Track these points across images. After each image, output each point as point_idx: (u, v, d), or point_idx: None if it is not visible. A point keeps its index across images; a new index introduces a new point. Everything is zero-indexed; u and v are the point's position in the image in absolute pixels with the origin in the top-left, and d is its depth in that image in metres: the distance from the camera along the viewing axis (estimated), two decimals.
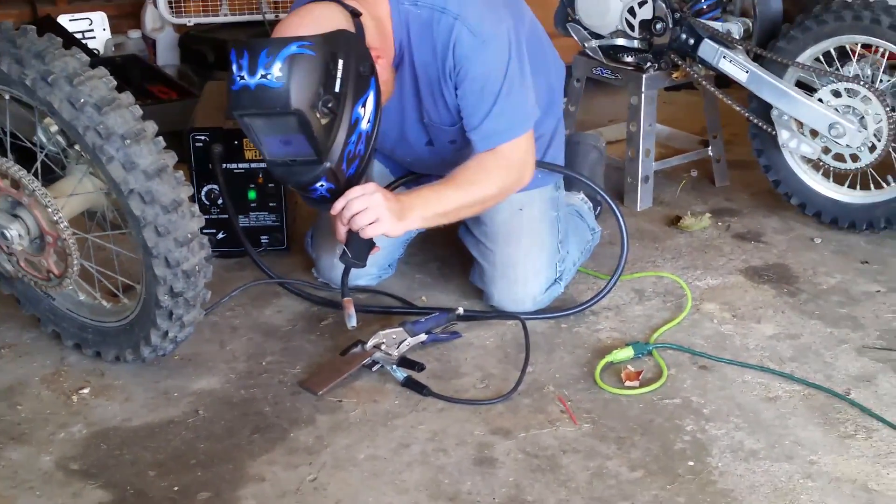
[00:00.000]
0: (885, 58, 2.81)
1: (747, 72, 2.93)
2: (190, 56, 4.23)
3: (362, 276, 2.60)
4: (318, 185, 2.18)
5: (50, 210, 2.12)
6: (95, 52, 4.15)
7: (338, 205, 2.21)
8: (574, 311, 2.54)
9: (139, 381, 2.29)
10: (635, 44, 3.08)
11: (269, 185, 2.80)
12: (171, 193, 2.07)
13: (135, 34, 4.35)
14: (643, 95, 3.09)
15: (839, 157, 2.91)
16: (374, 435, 2.10)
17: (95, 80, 2.04)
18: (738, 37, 2.97)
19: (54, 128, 2.20)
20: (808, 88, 2.93)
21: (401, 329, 2.36)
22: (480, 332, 2.48)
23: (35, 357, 2.39)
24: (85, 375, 2.32)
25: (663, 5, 2.98)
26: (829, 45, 2.86)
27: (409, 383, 2.24)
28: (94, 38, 4.25)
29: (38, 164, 2.18)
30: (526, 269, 2.52)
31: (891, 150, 2.84)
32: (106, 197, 2.23)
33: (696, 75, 3.05)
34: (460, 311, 2.47)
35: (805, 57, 2.88)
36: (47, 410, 2.19)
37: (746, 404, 2.20)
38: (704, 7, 3.03)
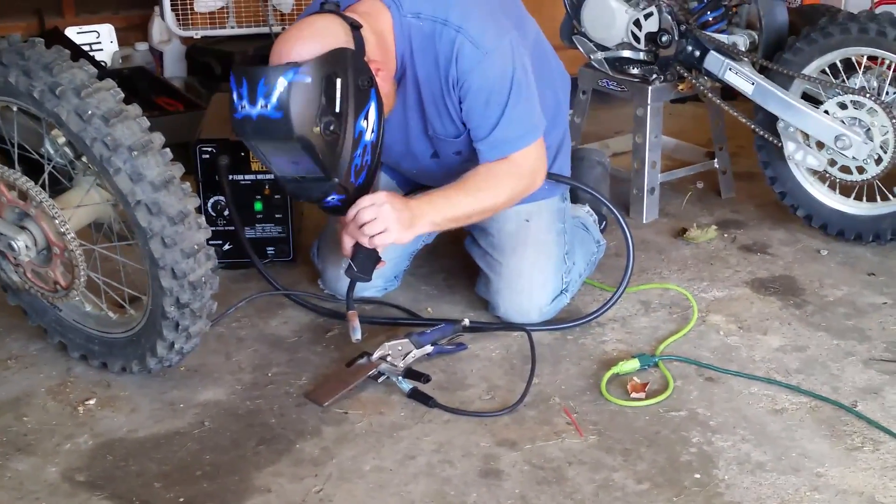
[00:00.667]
0: (891, 70, 2.81)
1: (753, 84, 2.93)
2: (197, 68, 4.24)
3: (368, 288, 2.60)
4: (330, 198, 2.23)
5: (57, 221, 2.13)
6: (103, 64, 4.17)
7: (350, 213, 2.25)
8: (580, 322, 2.54)
9: (145, 393, 2.29)
10: (641, 56, 3.08)
11: (276, 196, 2.80)
12: (177, 205, 2.07)
13: (142, 46, 4.37)
14: (649, 107, 3.09)
15: (845, 169, 2.91)
16: (379, 446, 2.10)
17: (103, 91, 2.05)
18: (743, 49, 2.97)
19: (62, 139, 2.21)
20: (814, 100, 2.93)
21: (406, 340, 2.36)
22: (486, 344, 2.47)
23: (41, 368, 2.39)
24: (91, 386, 2.32)
25: (669, 17, 2.98)
26: (835, 56, 2.86)
27: (415, 395, 2.24)
28: (102, 50, 4.27)
29: (46, 175, 2.18)
30: (532, 281, 2.52)
31: None
32: (113, 208, 2.23)
33: (701, 87, 3.05)
34: (466, 322, 2.47)
35: (811, 69, 2.88)
36: (53, 421, 2.19)
37: (753, 416, 2.19)
38: (710, 19, 3.04)
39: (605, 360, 2.40)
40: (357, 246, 2.36)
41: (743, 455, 2.06)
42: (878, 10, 2.82)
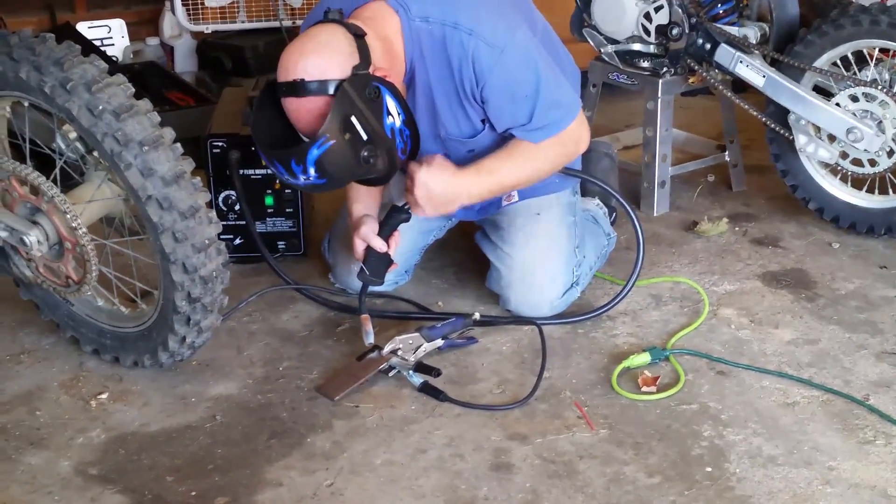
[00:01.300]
0: None
1: (764, 76, 2.92)
2: (208, 63, 4.25)
3: None
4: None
5: (69, 216, 2.14)
6: (114, 59, 4.17)
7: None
8: (591, 315, 2.54)
9: (157, 387, 2.30)
10: (651, 49, 3.08)
11: (286, 191, 2.81)
12: (188, 199, 2.08)
13: (153, 41, 4.38)
14: (659, 100, 3.08)
15: (857, 162, 2.90)
16: (390, 440, 2.10)
17: (114, 87, 2.06)
18: (754, 41, 2.96)
19: (73, 134, 2.22)
20: (825, 93, 2.91)
21: (417, 334, 2.36)
22: (497, 338, 2.47)
23: (54, 362, 2.40)
24: (103, 381, 2.33)
25: (679, 10, 2.97)
26: (847, 49, 2.85)
27: (426, 389, 2.24)
28: (113, 45, 4.27)
29: (57, 170, 2.19)
30: (543, 274, 2.52)
31: None
32: (124, 203, 2.24)
33: (712, 80, 3.04)
34: (477, 316, 2.47)
35: (822, 61, 2.87)
36: (66, 416, 2.20)
37: (764, 410, 2.19)
38: (721, 12, 3.03)
39: (615, 353, 2.40)
40: (369, 249, 2.39)
41: (754, 449, 2.06)
42: (889, 2, 2.81)
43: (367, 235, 2.42)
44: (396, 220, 2.46)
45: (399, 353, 2.31)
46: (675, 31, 2.99)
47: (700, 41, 2.99)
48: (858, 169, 2.90)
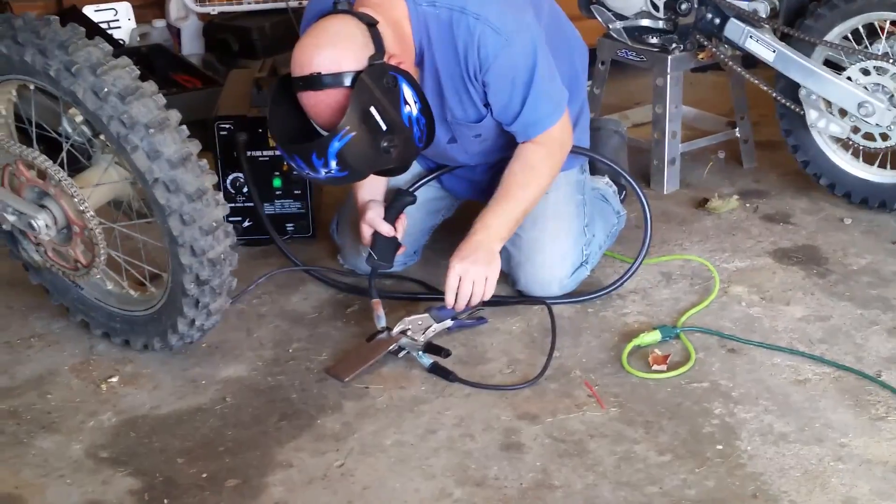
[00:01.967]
0: None
1: (774, 51, 2.89)
2: (214, 45, 4.23)
3: None
4: None
5: (76, 200, 2.14)
6: (121, 41, 4.16)
7: (449, 300, 2.36)
8: (599, 294, 2.53)
9: (167, 370, 2.30)
10: (660, 25, 3.05)
11: (294, 171, 2.79)
12: (195, 182, 2.07)
13: (159, 23, 4.36)
14: (669, 77, 3.06)
15: (869, 137, 2.88)
16: (400, 421, 2.10)
17: (119, 69, 2.05)
18: (764, 16, 2.93)
19: (79, 118, 2.21)
20: (836, 67, 2.89)
21: (426, 315, 2.36)
22: (506, 318, 2.47)
23: (64, 346, 2.41)
24: (114, 364, 2.33)
25: None
26: (858, 22, 2.82)
27: (436, 369, 2.24)
28: (120, 27, 4.26)
29: (64, 154, 2.19)
30: (553, 253, 2.51)
31: None
32: (131, 186, 2.24)
33: (722, 56, 3.02)
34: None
35: (833, 35, 2.84)
36: (77, 399, 2.21)
37: (776, 387, 2.18)
38: None
39: (626, 332, 2.39)
40: (376, 234, 2.39)
41: (766, 426, 2.05)
42: None
43: (374, 220, 2.42)
44: (402, 203, 2.46)
45: (409, 333, 2.31)
46: (683, 6, 2.96)
47: (709, 16, 2.97)
48: (870, 143, 2.88)
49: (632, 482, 1.91)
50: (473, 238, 2.38)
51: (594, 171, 2.82)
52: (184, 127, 2.08)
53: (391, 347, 2.29)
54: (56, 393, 2.23)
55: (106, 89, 2.01)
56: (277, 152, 2.77)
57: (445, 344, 2.31)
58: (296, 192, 2.83)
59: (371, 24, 2.14)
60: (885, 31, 2.82)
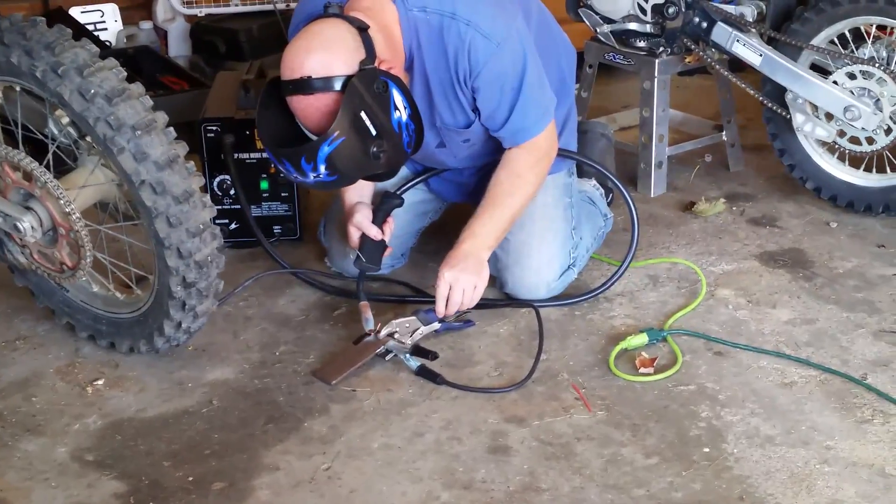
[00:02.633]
0: None
1: (761, 55, 2.90)
2: (201, 46, 4.22)
3: None
4: None
5: (62, 202, 2.13)
6: (107, 43, 4.15)
7: (440, 308, 2.36)
8: (586, 297, 2.53)
9: (153, 372, 2.29)
10: (648, 28, 3.05)
11: (281, 174, 2.79)
12: (182, 184, 2.06)
13: (146, 25, 4.34)
14: (656, 80, 3.07)
15: (855, 140, 2.89)
16: (387, 424, 2.10)
17: (105, 71, 2.04)
18: (751, 20, 2.94)
19: (65, 119, 2.20)
20: (822, 71, 2.90)
21: (414, 318, 2.36)
22: (494, 320, 2.47)
23: (49, 349, 2.40)
24: (99, 367, 2.32)
25: None
26: (844, 26, 2.83)
27: (423, 372, 2.24)
28: (106, 29, 4.25)
29: (50, 155, 2.18)
30: (540, 256, 2.51)
31: None
32: (118, 188, 2.23)
33: (709, 59, 3.03)
34: None
35: (819, 39, 2.86)
36: (62, 402, 2.20)
37: (762, 390, 2.18)
38: None
39: (613, 335, 2.40)
40: (364, 236, 2.39)
41: (752, 429, 2.06)
42: None
43: (362, 223, 2.42)
44: (390, 206, 2.46)
45: (396, 336, 2.31)
46: (671, 10, 2.97)
47: (696, 20, 2.98)
48: (856, 147, 2.89)
49: (619, 485, 1.91)
50: (461, 247, 2.38)
51: (581, 173, 2.82)
52: (171, 129, 2.08)
53: (378, 350, 2.29)
54: (41, 396, 2.22)
55: (93, 91, 2.00)
56: (264, 154, 2.77)
57: (433, 347, 2.31)
58: (283, 194, 2.82)
59: (362, 29, 2.14)
60: (871, 35, 2.83)
